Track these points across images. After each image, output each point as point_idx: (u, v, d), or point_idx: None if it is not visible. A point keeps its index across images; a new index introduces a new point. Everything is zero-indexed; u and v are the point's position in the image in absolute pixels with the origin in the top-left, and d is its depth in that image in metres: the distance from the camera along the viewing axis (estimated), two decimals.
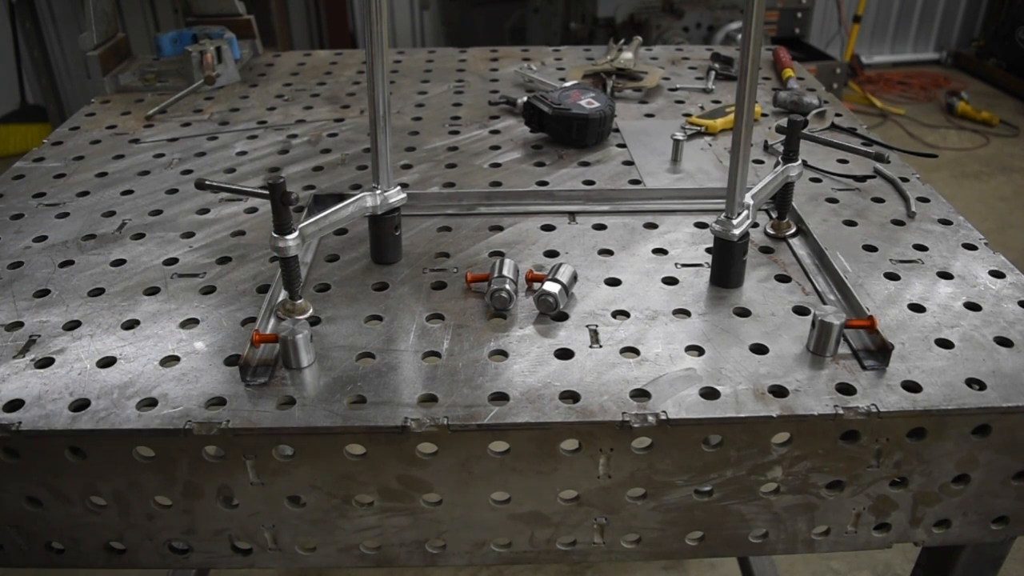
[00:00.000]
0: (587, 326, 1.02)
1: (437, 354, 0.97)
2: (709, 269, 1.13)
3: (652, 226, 1.26)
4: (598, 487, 0.91)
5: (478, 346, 0.98)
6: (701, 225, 1.26)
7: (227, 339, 1.00)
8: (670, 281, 1.12)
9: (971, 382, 0.91)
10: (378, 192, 1.12)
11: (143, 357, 0.97)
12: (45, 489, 0.90)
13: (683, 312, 1.05)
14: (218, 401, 0.90)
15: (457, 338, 1.00)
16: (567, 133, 1.50)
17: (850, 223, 1.25)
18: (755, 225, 1.13)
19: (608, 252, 1.19)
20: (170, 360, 0.96)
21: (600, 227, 1.26)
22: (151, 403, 0.90)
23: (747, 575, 2.02)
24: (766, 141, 1.52)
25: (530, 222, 1.27)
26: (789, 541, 0.97)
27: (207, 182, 1.06)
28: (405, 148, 1.54)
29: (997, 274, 1.12)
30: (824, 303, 1.07)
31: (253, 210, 1.32)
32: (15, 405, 0.89)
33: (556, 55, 2.05)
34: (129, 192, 1.39)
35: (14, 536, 0.94)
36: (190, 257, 1.18)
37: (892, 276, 1.12)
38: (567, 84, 1.62)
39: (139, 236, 1.24)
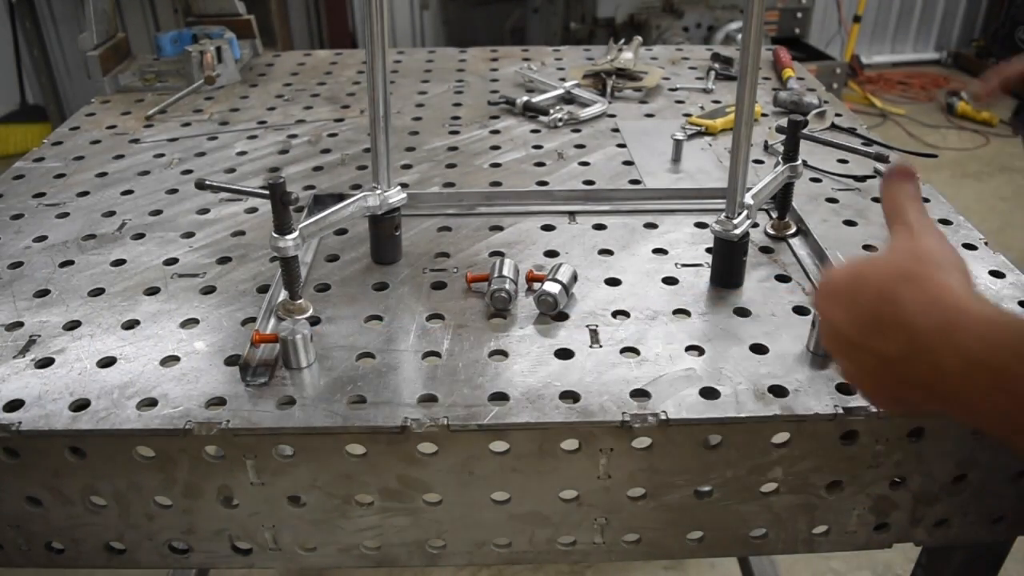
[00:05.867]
0: (587, 326, 1.02)
1: (437, 354, 0.97)
2: (709, 269, 1.13)
3: (652, 226, 1.26)
4: (598, 487, 0.91)
5: (478, 346, 0.98)
6: (701, 225, 1.26)
7: (227, 339, 1.00)
8: (670, 281, 1.12)
9: None
10: (378, 192, 1.12)
11: (143, 357, 0.97)
12: (45, 489, 0.90)
13: (683, 312, 1.05)
14: (218, 401, 0.90)
15: (457, 338, 1.00)
16: None
17: (850, 223, 1.25)
18: (755, 225, 1.13)
19: (608, 252, 1.19)
20: (170, 360, 0.96)
21: (600, 227, 1.26)
22: (151, 403, 0.90)
23: (747, 575, 2.02)
24: (766, 141, 1.52)
25: (530, 222, 1.27)
26: (789, 541, 0.97)
27: (207, 182, 1.06)
28: (405, 148, 1.54)
29: (997, 274, 1.12)
30: None
31: (253, 210, 1.32)
32: (15, 405, 0.89)
33: (556, 55, 2.05)
34: (129, 192, 1.38)
35: (14, 536, 0.94)
36: (190, 257, 1.18)
37: None
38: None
39: (139, 236, 1.24)
